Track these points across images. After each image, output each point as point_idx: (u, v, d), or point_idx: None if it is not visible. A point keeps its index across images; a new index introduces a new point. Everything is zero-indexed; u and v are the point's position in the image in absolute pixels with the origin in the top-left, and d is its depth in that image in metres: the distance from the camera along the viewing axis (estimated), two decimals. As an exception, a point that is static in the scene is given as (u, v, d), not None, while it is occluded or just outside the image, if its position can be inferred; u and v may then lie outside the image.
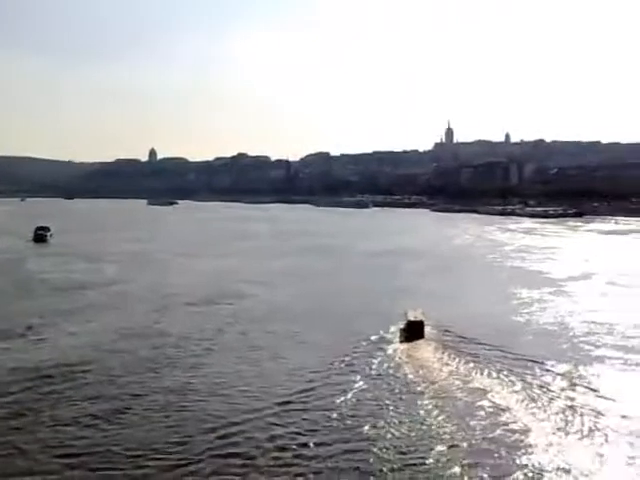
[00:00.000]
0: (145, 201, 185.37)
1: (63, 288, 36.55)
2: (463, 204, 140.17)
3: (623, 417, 16.38)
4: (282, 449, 14.46)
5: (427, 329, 24.68)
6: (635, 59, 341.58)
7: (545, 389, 18.56)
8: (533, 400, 17.64)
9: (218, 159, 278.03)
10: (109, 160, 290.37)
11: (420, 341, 23.79)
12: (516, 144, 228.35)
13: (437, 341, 23.89)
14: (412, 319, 24.81)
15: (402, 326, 24.96)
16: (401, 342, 23.71)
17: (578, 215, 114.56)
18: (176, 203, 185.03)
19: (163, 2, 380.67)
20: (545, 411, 16.86)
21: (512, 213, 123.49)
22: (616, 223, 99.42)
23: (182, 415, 16.60)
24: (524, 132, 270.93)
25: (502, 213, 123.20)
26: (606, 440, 15.07)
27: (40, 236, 64.92)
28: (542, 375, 19.92)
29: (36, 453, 14.25)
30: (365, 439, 15.11)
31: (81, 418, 16.21)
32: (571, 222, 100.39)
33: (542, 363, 21.04)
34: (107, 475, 13.35)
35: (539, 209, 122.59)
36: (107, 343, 23.78)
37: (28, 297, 33.55)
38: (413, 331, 24.28)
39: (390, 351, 22.63)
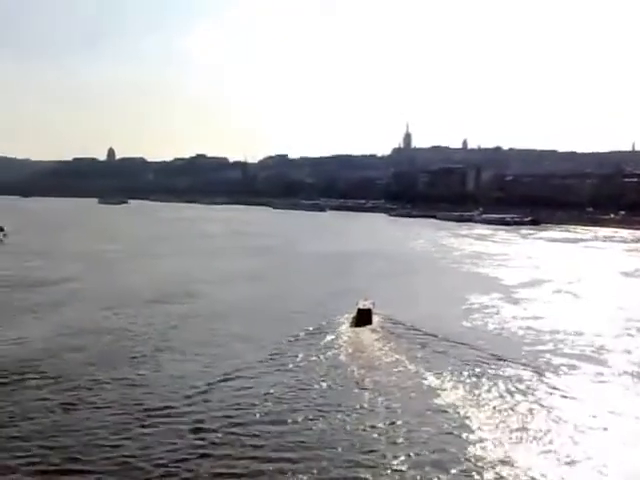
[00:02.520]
0: (96, 200, 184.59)
1: (17, 286, 36.81)
2: (421, 209, 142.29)
3: (534, 409, 18.17)
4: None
5: (376, 318, 27.96)
6: (591, 71, 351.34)
7: (476, 375, 20.75)
8: (461, 382, 19.99)
9: (177, 160, 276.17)
10: (67, 159, 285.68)
11: (367, 326, 27.06)
12: (473, 151, 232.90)
13: (383, 328, 27.12)
14: (361, 307, 28.18)
15: (353, 314, 28.07)
16: (350, 327, 27.00)
17: (534, 223, 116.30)
18: (126, 202, 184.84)
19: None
20: (475, 394, 18.95)
21: (469, 219, 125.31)
22: (568, 232, 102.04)
23: (128, 406, 17.46)
24: (481, 139, 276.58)
25: (459, 219, 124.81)
26: (523, 426, 16.69)
27: None
28: (476, 362, 22.29)
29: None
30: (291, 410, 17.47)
31: (34, 412, 16.92)
32: (524, 230, 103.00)
33: (476, 349, 23.92)
34: (57, 465, 14.17)
35: (496, 216, 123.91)
36: (59, 339, 24.44)
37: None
38: (362, 318, 27.70)
39: (338, 333, 25.99)
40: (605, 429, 16.64)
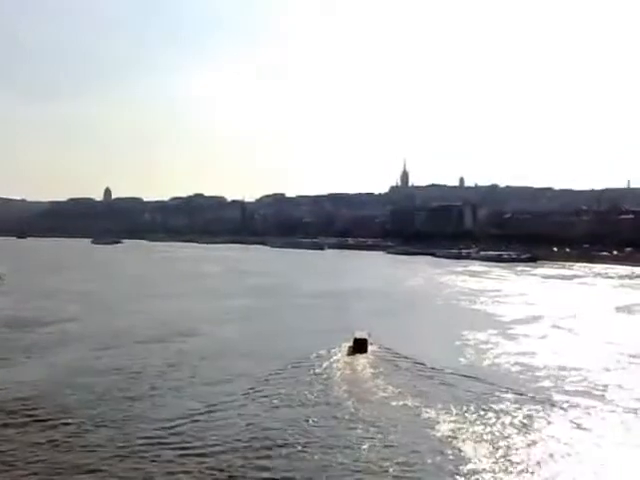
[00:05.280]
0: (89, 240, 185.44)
1: (13, 327, 37.01)
2: (419, 247, 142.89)
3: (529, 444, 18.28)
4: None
5: (371, 348, 29.45)
6: (585, 109, 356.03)
7: (472, 408, 20.95)
8: (456, 413, 20.29)
9: (174, 199, 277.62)
10: (62, 199, 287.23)
11: (363, 354, 28.79)
12: (470, 188, 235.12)
13: (377, 356, 28.63)
14: (357, 337, 29.82)
15: (349, 344, 29.66)
16: (347, 355, 28.67)
17: (531, 260, 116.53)
18: (120, 242, 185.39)
19: (117, 41, 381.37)
20: (471, 426, 19.16)
21: (467, 257, 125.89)
22: (564, 268, 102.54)
23: (128, 444, 17.56)
24: (478, 177, 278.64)
25: (457, 256, 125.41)
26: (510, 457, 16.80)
27: None
28: (472, 394, 22.71)
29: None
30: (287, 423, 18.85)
31: (35, 446, 17.22)
32: (520, 267, 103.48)
33: (472, 382, 24.48)
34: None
35: (493, 253, 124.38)
36: (55, 379, 24.63)
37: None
38: (358, 346, 29.23)
39: (334, 360, 27.69)
40: (603, 460, 16.84)
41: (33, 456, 16.45)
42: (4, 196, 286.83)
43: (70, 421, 19.29)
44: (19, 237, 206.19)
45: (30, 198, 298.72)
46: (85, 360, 28.08)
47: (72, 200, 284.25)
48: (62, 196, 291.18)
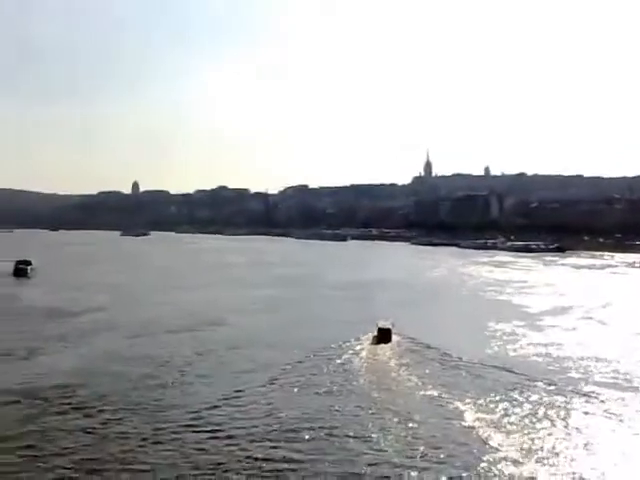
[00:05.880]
0: (119, 232, 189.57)
1: (49, 317, 37.83)
2: (443, 237, 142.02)
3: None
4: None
5: (395, 338, 29.68)
6: (617, 94, 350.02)
7: (498, 397, 21.05)
8: (482, 403, 20.33)
9: (199, 192, 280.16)
10: (93, 192, 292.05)
11: (387, 344, 29.03)
12: (496, 177, 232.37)
13: (401, 346, 28.82)
14: (381, 326, 30.17)
15: (374, 333, 30.05)
16: (370, 344, 28.97)
17: (560, 250, 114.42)
18: (147, 234, 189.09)
19: (146, 40, 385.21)
20: (497, 416, 19.19)
21: (493, 247, 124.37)
22: (594, 258, 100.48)
23: (157, 430, 18.04)
24: (504, 165, 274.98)
25: (482, 247, 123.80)
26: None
27: (20, 270, 64.69)
28: (499, 384, 22.78)
29: (39, 461, 15.71)
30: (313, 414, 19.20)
31: (74, 431, 17.81)
32: (548, 257, 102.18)
33: (498, 372, 24.48)
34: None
35: (520, 243, 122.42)
36: (88, 367, 25.30)
37: (17, 326, 34.51)
38: (382, 336, 29.54)
39: (358, 349, 27.98)
40: (637, 451, 16.80)
41: (70, 442, 16.96)
42: (37, 190, 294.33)
43: (105, 408, 19.87)
44: (51, 230, 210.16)
45: (62, 192, 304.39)
46: (117, 349, 28.78)
47: (102, 194, 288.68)
48: (93, 190, 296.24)
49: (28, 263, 67.39)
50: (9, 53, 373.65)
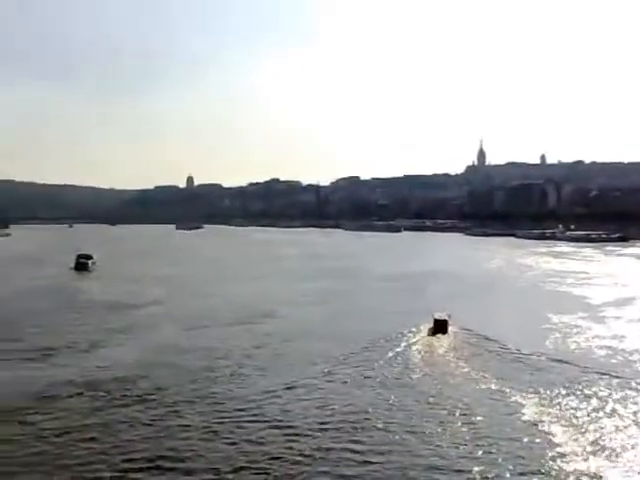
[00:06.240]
0: (174, 226, 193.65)
1: (109, 309, 38.86)
2: (498, 227, 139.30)
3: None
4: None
5: (451, 329, 29.38)
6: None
7: (560, 391, 20.46)
8: (544, 397, 19.83)
9: (251, 185, 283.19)
10: (149, 187, 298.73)
11: (443, 335, 28.84)
12: (552, 165, 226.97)
13: (458, 338, 28.54)
14: (437, 317, 29.87)
15: (429, 325, 29.86)
16: (427, 335, 28.86)
17: (622, 240, 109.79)
18: (201, 227, 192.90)
19: (200, 36, 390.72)
20: (561, 410, 18.66)
21: (551, 237, 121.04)
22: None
23: (216, 422, 18.23)
24: (561, 153, 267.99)
25: (540, 237, 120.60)
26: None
27: (82, 264, 66.13)
28: (560, 378, 22.18)
29: (100, 454, 15.99)
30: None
31: (135, 424, 18.07)
32: (610, 247, 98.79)
33: (560, 365, 23.92)
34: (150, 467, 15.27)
35: (580, 233, 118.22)
36: (149, 358, 25.84)
37: (80, 319, 35.51)
38: (438, 328, 29.18)
39: (413, 341, 27.95)
40: None
41: (130, 435, 17.19)
42: (97, 185, 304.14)
43: (164, 400, 20.18)
44: (110, 224, 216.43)
45: (119, 187, 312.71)
46: (175, 341, 29.25)
47: (158, 188, 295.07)
48: (149, 185, 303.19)
49: (89, 257, 68.92)
50: (70, 50, 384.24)
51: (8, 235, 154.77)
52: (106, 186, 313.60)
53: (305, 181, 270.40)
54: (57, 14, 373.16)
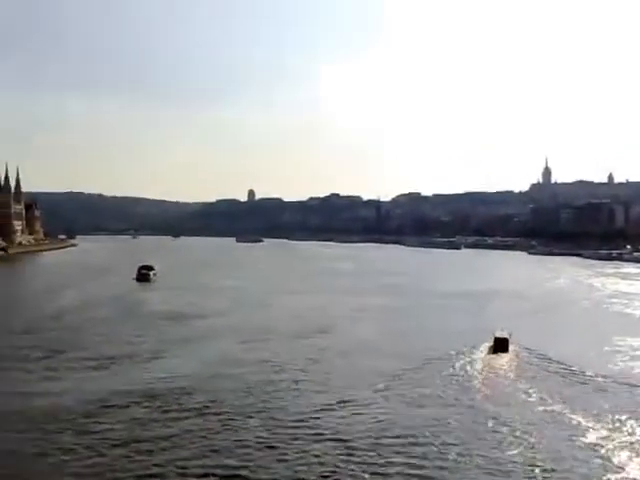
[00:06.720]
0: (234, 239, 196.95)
1: (170, 320, 39.68)
2: (563, 247, 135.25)
3: None
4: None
5: (512, 348, 28.94)
6: None
7: (625, 415, 19.67)
8: (608, 420, 19.10)
9: (312, 199, 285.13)
10: (211, 200, 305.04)
11: (504, 354, 28.37)
12: (620, 184, 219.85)
13: (519, 357, 28.05)
14: (498, 336, 29.29)
15: (490, 343, 28.96)
16: (487, 354, 27.75)
17: None
18: (261, 241, 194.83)
19: (260, 51, 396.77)
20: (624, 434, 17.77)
21: (618, 257, 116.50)
22: None
23: (272, 435, 18.30)
24: (629, 172, 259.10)
25: (607, 257, 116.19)
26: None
27: (143, 275, 67.78)
28: (626, 401, 21.45)
29: (157, 466, 16.15)
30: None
31: (191, 437, 18.14)
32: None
33: (625, 387, 23.24)
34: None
35: None
36: (208, 369, 26.20)
37: (141, 330, 36.35)
38: (499, 346, 28.77)
39: (473, 359, 27.45)
40: None
41: (186, 448, 17.32)
42: (161, 198, 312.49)
43: (221, 410, 20.41)
44: (173, 236, 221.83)
45: (182, 200, 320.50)
46: (232, 353, 29.60)
47: (219, 201, 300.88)
48: (211, 198, 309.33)
49: (151, 268, 70.65)
50: (140, 65, 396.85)
51: (74, 245, 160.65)
52: (171, 199, 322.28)
53: (365, 196, 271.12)
54: (131, 29, 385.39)
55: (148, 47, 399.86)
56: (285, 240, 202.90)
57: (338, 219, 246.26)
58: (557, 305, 50.84)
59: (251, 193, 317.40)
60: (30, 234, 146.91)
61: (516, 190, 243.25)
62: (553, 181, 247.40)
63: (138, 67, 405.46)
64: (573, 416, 19.53)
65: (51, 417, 19.41)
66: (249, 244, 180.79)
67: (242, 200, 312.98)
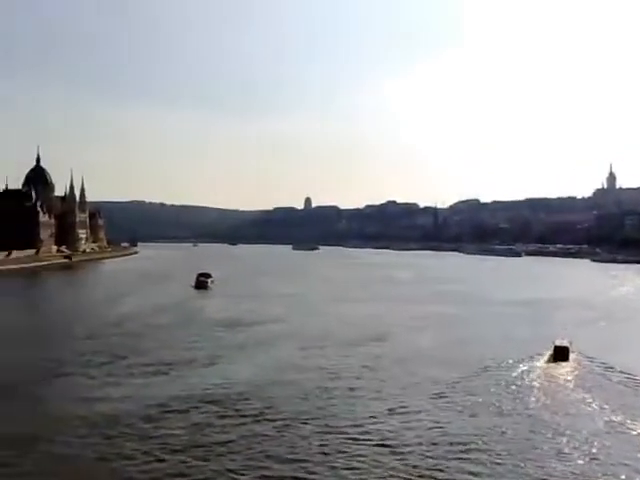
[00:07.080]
0: (291, 246, 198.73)
1: (227, 327, 40.24)
2: (629, 254, 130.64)
3: None
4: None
5: (573, 356, 28.38)
6: None
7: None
8: None
9: (368, 206, 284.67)
10: (269, 208, 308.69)
11: (564, 363, 27.91)
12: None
13: (580, 366, 27.49)
14: (558, 344, 28.83)
15: (549, 352, 29.12)
16: (546, 363, 28.11)
17: None
18: (317, 249, 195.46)
19: (316, 63, 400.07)
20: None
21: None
22: None
23: (326, 441, 18.41)
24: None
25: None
26: None
27: (201, 283, 68.89)
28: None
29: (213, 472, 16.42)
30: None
31: (247, 443, 18.34)
32: None
33: None
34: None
35: None
36: (266, 375, 26.55)
37: (200, 336, 36.98)
38: (559, 354, 28.32)
39: (531, 368, 27.00)
40: None
41: (244, 449, 17.65)
42: (221, 207, 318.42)
43: (276, 417, 20.63)
44: (231, 244, 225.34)
45: (242, 208, 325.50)
46: (289, 359, 29.91)
47: (277, 209, 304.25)
48: (269, 206, 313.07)
49: (208, 276, 71.88)
50: (198, 74, 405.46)
51: (136, 253, 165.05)
52: (230, 207, 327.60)
53: (422, 203, 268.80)
54: (196, 42, 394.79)
55: (211, 61, 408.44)
56: (340, 247, 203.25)
57: (395, 226, 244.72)
58: (621, 314, 49.23)
59: (308, 201, 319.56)
60: (94, 242, 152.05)
61: (579, 196, 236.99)
62: (618, 187, 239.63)
63: (201, 79, 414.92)
64: (635, 428, 18.92)
65: (112, 422, 19.89)
66: (305, 251, 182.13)
67: (299, 208, 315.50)
